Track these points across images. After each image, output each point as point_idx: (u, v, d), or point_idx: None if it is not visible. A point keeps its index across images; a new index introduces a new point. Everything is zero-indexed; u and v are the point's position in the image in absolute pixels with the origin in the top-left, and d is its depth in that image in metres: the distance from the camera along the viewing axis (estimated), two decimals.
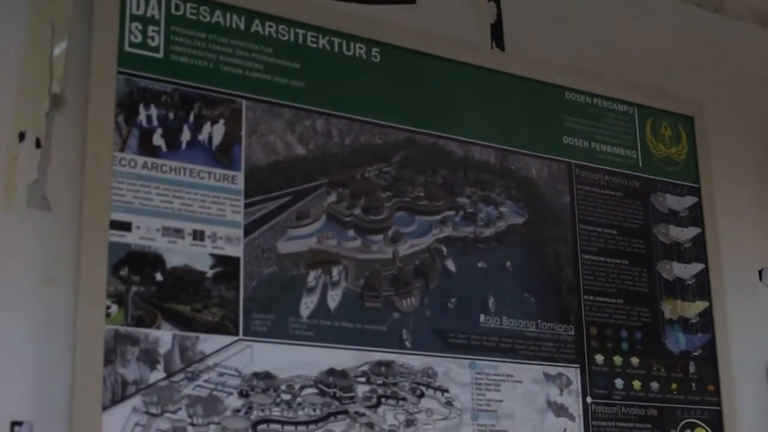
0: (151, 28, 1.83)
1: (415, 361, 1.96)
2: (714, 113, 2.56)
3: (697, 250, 2.41)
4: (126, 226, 1.73)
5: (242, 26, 1.93)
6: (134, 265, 1.73)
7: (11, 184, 1.69)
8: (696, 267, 2.39)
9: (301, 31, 2.00)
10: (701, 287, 2.39)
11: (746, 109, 2.67)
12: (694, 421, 2.29)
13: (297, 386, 1.82)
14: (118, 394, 1.67)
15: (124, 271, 1.71)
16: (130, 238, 1.73)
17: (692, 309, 2.36)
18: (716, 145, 2.55)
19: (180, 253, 1.77)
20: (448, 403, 1.98)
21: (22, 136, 1.71)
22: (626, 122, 2.41)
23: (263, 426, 1.77)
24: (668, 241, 2.37)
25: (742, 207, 2.57)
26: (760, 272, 2.55)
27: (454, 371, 2.00)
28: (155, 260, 1.75)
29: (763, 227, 2.58)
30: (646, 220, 2.36)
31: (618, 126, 2.39)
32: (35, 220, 1.69)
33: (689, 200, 2.44)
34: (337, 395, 1.86)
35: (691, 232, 2.42)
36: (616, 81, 2.42)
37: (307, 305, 1.87)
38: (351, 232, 1.95)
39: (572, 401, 2.12)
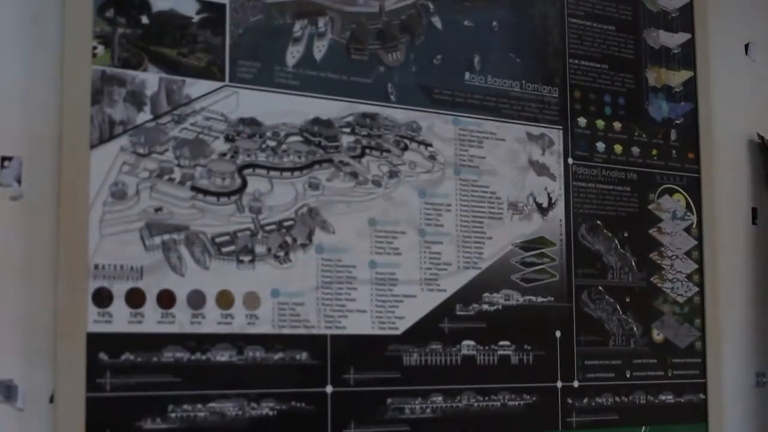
0: None
1: (399, 114, 1.98)
2: None
3: (685, 20, 2.40)
4: None
5: None
6: (120, 6, 1.73)
7: None
8: (683, 36, 2.40)
9: None
10: (686, 57, 2.40)
11: None
12: (673, 186, 2.33)
13: (282, 133, 1.85)
14: (105, 133, 1.69)
15: (109, 13, 1.71)
16: None
17: (676, 78, 2.38)
18: None
19: None
20: (432, 157, 2.01)
21: None
22: None
23: (249, 170, 1.81)
24: (656, 9, 2.37)
25: None
26: (746, 46, 2.55)
27: (438, 126, 2.03)
28: (141, 3, 1.74)
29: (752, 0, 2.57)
30: None
31: None
32: None
33: None
34: (322, 144, 1.89)
35: (679, 1, 2.40)
36: None
37: (293, 55, 1.88)
38: None
39: (554, 161, 2.16)
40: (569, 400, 2.12)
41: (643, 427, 2.21)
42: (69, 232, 1.64)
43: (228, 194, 1.78)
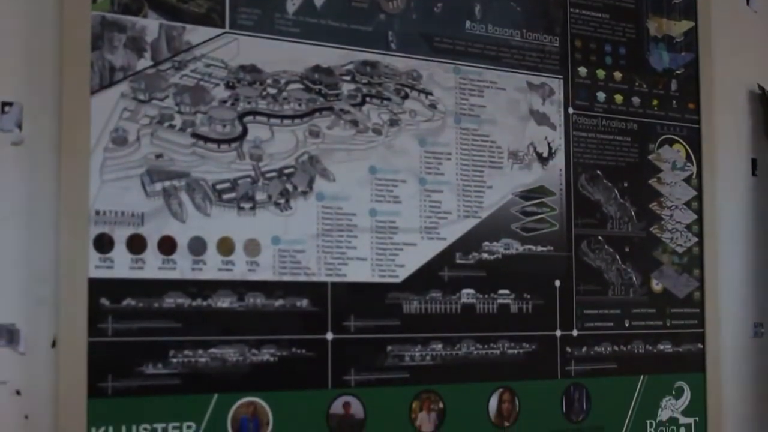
0: None
1: (400, 62, 1.98)
2: None
3: None
4: None
5: None
6: None
7: None
8: None
9: None
10: (688, 7, 2.38)
11: None
12: (673, 137, 2.33)
13: (283, 81, 1.85)
14: (106, 79, 1.69)
15: None
16: None
17: (677, 28, 2.37)
18: None
19: None
20: (432, 106, 2.01)
21: None
22: None
23: (249, 118, 1.81)
24: None
25: None
26: None
27: (439, 75, 2.02)
28: None
29: None
30: None
31: None
32: None
33: None
34: (323, 92, 1.89)
35: None
36: None
37: (294, 2, 1.87)
38: None
39: (554, 111, 2.16)
40: (568, 349, 2.13)
41: (642, 376, 2.23)
42: (70, 177, 1.65)
43: (228, 141, 1.79)
